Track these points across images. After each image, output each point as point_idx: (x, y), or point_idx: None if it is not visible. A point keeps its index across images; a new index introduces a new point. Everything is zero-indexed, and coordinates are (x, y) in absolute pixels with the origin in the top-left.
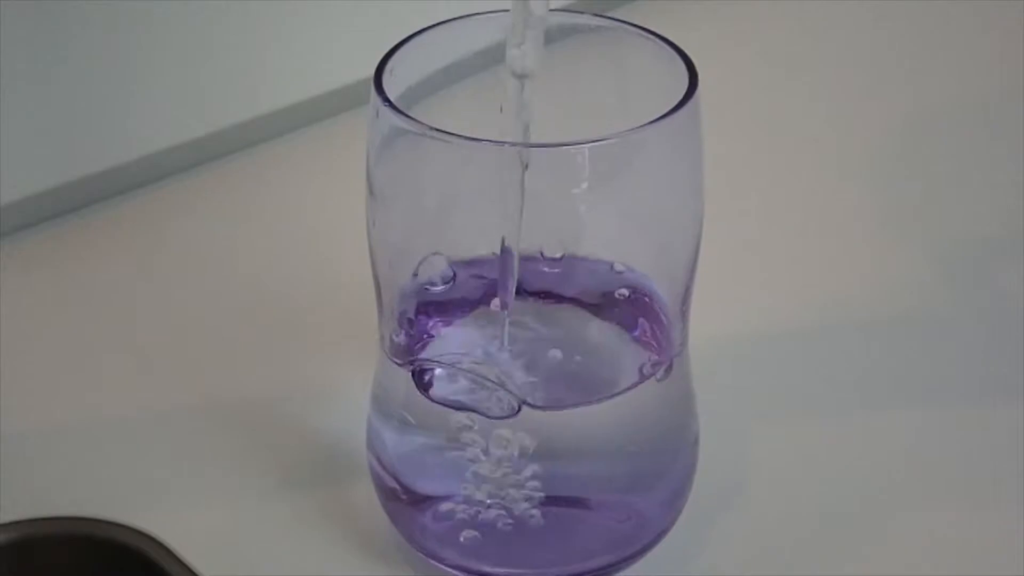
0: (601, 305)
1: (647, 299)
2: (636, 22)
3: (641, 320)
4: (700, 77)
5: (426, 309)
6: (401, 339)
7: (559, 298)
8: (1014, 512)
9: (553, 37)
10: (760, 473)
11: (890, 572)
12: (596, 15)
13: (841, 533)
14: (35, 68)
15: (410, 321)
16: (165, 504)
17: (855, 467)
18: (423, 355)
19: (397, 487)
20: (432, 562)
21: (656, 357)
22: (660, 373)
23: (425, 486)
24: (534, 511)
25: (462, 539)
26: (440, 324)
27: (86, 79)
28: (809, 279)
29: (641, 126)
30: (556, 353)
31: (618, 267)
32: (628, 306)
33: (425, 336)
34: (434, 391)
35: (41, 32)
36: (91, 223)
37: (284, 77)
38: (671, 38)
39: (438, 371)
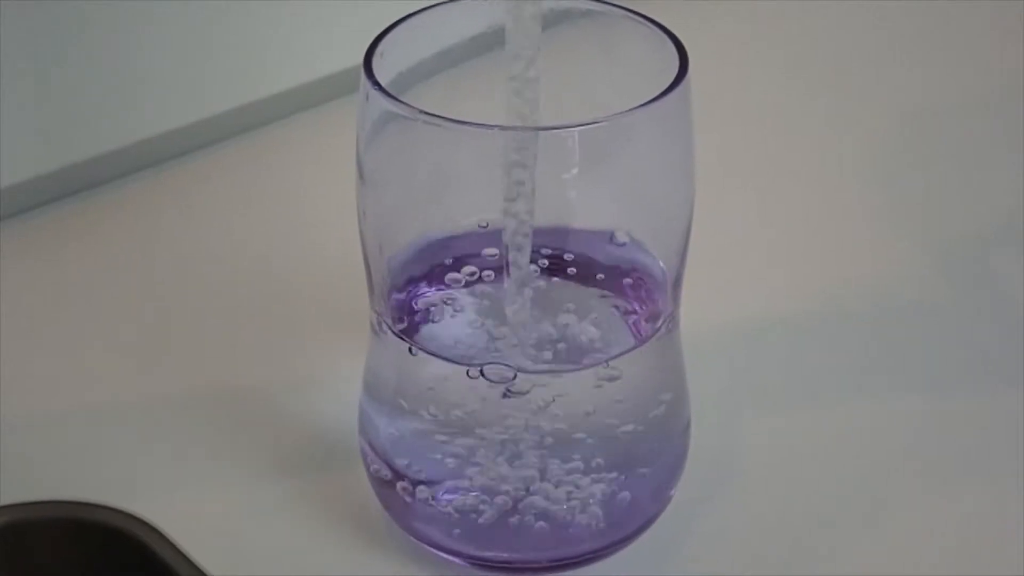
0: (595, 277)
1: (639, 272)
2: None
3: (633, 292)
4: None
5: (421, 280)
6: (394, 305)
7: (553, 271)
8: (1012, 507)
9: (546, 22)
10: (752, 465)
11: (883, 565)
12: None
13: (834, 526)
14: (29, 58)
15: (400, 288)
16: (159, 489)
17: (849, 460)
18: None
19: (389, 472)
20: (424, 546)
21: (646, 330)
22: (651, 342)
23: (417, 471)
24: (525, 495)
25: (453, 523)
26: (435, 292)
27: (81, 66)
28: (806, 272)
29: (631, 109)
30: (550, 323)
31: (620, 238)
32: (621, 279)
33: (419, 307)
34: (431, 344)
35: (37, 24)
36: (84, 209)
37: (280, 63)
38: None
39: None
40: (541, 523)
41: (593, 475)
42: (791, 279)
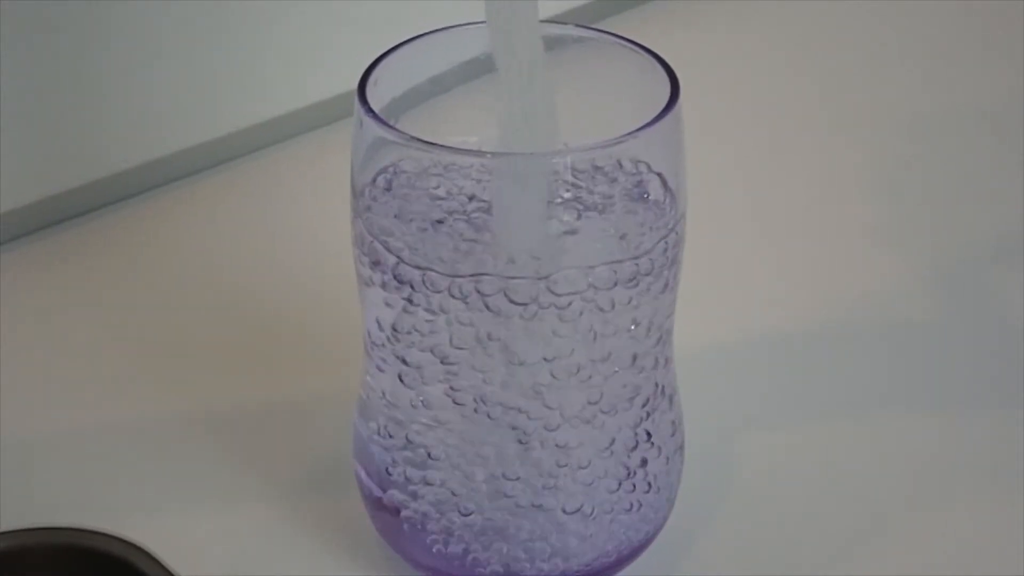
0: None
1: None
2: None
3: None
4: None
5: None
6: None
7: None
8: (1013, 525)
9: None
10: (747, 483)
11: None
12: (579, 26)
13: (832, 543)
14: (26, 85)
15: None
16: (154, 513)
17: (847, 478)
18: None
19: (383, 497)
20: (420, 573)
21: None
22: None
23: (410, 494)
24: (517, 516)
25: (449, 548)
26: None
27: (80, 91)
28: (803, 287)
29: (623, 136)
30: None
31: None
32: None
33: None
34: None
35: (36, 50)
36: (79, 234)
37: (279, 86)
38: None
39: None
40: (534, 544)
41: (586, 496)
42: (787, 294)
